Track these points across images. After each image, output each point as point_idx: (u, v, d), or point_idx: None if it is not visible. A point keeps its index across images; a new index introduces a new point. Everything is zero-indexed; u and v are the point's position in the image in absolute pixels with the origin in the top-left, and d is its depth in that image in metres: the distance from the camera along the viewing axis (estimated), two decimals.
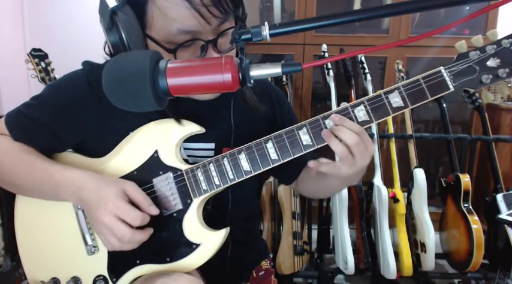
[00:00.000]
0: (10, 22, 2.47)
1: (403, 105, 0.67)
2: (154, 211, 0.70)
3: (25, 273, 0.84)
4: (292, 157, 0.71)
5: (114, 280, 0.77)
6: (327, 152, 0.73)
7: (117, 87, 0.57)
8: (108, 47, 0.77)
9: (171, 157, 0.75)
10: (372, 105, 0.67)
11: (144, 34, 0.69)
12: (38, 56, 1.75)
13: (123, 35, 0.64)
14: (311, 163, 0.72)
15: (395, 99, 0.67)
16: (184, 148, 0.81)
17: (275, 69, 0.58)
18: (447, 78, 0.64)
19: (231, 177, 0.73)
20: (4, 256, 1.75)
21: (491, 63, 0.63)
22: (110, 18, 0.64)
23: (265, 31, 0.55)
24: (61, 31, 2.53)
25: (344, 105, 0.70)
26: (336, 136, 0.68)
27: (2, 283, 1.72)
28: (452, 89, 0.65)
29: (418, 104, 0.67)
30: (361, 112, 0.68)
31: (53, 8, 2.55)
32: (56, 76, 1.77)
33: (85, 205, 0.72)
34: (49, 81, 1.74)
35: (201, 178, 0.74)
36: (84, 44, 2.51)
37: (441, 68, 0.65)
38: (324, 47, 2.20)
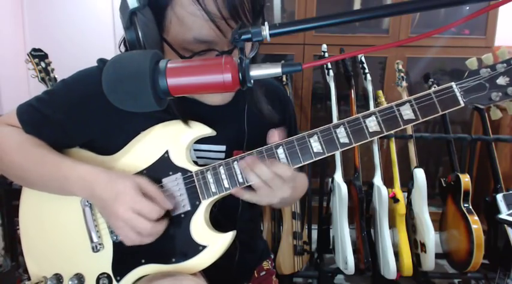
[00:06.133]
0: (10, 22, 2.47)
1: (414, 117, 0.67)
2: (169, 205, 0.71)
3: (27, 268, 0.84)
4: (302, 164, 0.71)
5: (118, 278, 0.77)
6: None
7: (116, 87, 0.57)
8: (125, 44, 0.78)
9: (182, 158, 0.75)
10: (383, 116, 0.68)
11: (161, 37, 0.70)
12: (38, 56, 1.75)
13: (140, 37, 0.65)
14: (233, 190, 0.73)
15: (407, 112, 0.68)
16: (195, 150, 0.81)
17: (275, 69, 0.57)
18: (458, 94, 0.65)
19: (241, 180, 0.73)
20: (4, 256, 1.74)
21: (501, 81, 0.64)
22: (128, 19, 0.65)
23: (265, 31, 0.55)
24: (61, 31, 2.54)
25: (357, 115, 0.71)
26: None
27: (2, 283, 1.72)
28: (462, 105, 0.66)
29: (428, 117, 0.67)
30: (372, 123, 0.68)
31: (53, 8, 2.56)
32: (56, 76, 1.76)
33: (97, 200, 0.71)
34: (49, 81, 1.73)
35: (211, 180, 0.74)
36: (84, 43, 2.52)
37: (452, 83, 0.66)
38: (324, 47, 2.20)
